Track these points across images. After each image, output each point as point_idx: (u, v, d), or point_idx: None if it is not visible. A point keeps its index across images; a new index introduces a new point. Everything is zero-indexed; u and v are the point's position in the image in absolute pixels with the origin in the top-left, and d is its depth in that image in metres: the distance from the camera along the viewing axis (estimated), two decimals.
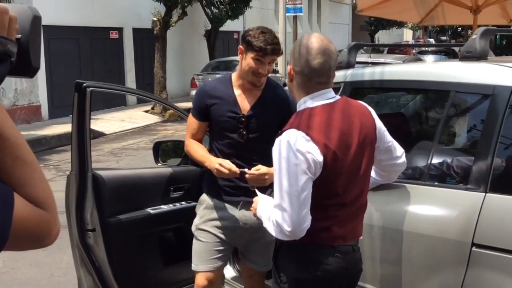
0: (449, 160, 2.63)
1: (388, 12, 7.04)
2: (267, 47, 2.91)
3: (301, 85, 2.33)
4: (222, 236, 3.17)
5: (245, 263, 3.30)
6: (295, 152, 2.14)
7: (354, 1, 40.26)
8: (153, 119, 15.96)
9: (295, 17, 24.30)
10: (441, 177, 2.63)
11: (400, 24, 40.44)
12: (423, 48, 28.55)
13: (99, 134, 13.42)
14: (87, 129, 3.26)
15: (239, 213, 3.13)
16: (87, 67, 16.45)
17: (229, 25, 20.96)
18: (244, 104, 3.07)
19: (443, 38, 41.63)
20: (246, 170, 2.90)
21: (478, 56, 2.64)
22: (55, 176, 9.34)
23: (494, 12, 6.68)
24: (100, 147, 12.07)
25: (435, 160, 2.61)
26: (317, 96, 2.30)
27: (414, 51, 30.29)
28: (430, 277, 2.50)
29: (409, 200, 2.61)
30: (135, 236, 3.48)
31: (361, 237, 2.46)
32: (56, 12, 14.87)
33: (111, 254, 3.37)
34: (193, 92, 16.76)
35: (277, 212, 2.19)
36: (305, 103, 2.32)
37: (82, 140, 3.26)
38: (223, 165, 2.91)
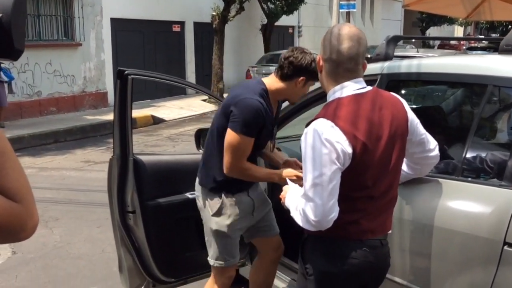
0: (483, 155, 2.40)
1: (434, 6, 6.70)
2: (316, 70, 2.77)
3: (330, 73, 2.15)
4: (243, 227, 3.16)
5: (267, 237, 3.29)
6: (323, 141, 1.98)
7: None
8: (209, 107, 15.95)
9: (348, 13, 23.80)
10: (476, 172, 2.39)
11: (451, 21, 39.20)
12: (473, 44, 27.63)
13: (159, 120, 13.54)
14: (128, 116, 3.17)
15: (252, 200, 3.11)
16: (151, 57, 16.59)
17: (284, 20, 20.77)
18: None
19: (493, 35, 40.09)
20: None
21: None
22: None
23: None
24: (159, 132, 12.16)
25: (470, 155, 2.38)
26: (346, 86, 2.13)
27: (464, 47, 29.39)
28: (460, 274, 2.29)
29: (442, 195, 2.39)
30: (173, 219, 3.40)
31: (390, 231, 2.28)
32: (123, 6, 15.09)
33: (150, 235, 3.30)
34: None
35: (304, 201, 2.04)
36: (334, 93, 2.15)
37: (123, 126, 3.18)
38: (288, 175, 2.81)
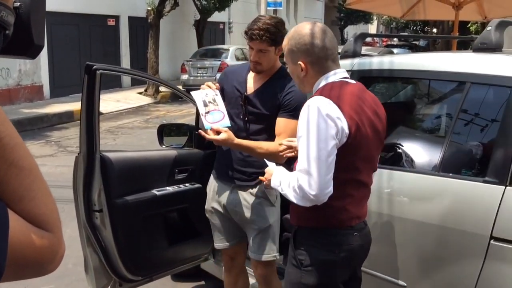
0: (464, 151, 2.34)
1: (374, 6, 6.75)
2: (249, 32, 2.62)
3: (318, 70, 2.10)
4: (225, 216, 2.95)
5: (248, 252, 2.98)
6: (324, 117, 1.90)
7: None
8: (146, 100, 15.51)
9: (275, 11, 23.93)
10: (457, 168, 2.33)
11: (366, 21, 40.24)
12: (390, 42, 28.41)
13: None
14: (96, 112, 2.90)
15: (230, 196, 2.88)
16: (86, 51, 15.90)
17: (216, 16, 20.52)
18: (250, 86, 2.81)
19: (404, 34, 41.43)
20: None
21: (493, 48, 2.34)
22: (56, 152, 8.92)
23: (471, 8, 6.42)
24: None
25: (449, 151, 2.31)
26: (338, 72, 2.11)
27: (378, 44, 30.18)
28: (445, 268, 2.23)
29: (424, 190, 2.31)
30: (141, 217, 3.16)
31: None
32: None
33: (117, 234, 3.04)
34: (184, 77, 16.42)
35: (302, 177, 1.93)
36: (327, 79, 2.09)
37: (90, 122, 2.91)
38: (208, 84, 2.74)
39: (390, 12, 7.81)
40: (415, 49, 21.17)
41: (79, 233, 3.14)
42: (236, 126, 2.76)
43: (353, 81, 2.14)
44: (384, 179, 2.44)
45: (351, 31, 41.75)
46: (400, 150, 2.56)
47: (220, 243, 3.04)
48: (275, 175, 2.18)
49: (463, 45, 21.68)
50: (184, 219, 3.39)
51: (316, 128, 1.91)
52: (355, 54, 2.94)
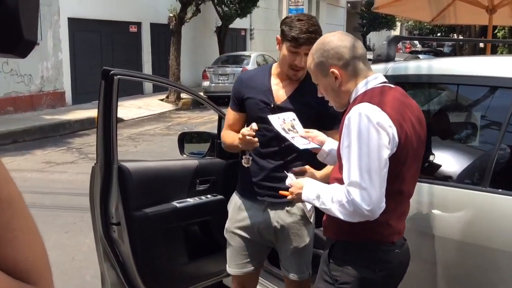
0: None
1: (402, 10, 6.52)
2: (301, 36, 2.36)
3: (352, 74, 1.94)
4: (251, 238, 2.69)
5: (282, 269, 2.76)
6: (375, 126, 1.74)
7: (349, 5, 39.65)
8: (167, 107, 15.45)
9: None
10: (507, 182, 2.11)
11: (389, 27, 39.81)
12: (413, 48, 28.01)
13: (118, 120, 12.92)
14: (113, 119, 2.75)
15: (262, 214, 2.62)
16: (108, 57, 15.90)
17: (238, 23, 20.45)
18: (279, 94, 2.55)
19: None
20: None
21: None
22: (77, 159, 8.85)
23: (505, 13, 6.16)
24: (119, 132, 11.42)
25: (501, 164, 2.09)
26: (377, 76, 1.96)
27: (401, 51, 29.75)
28: None
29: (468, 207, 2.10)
30: (161, 230, 2.98)
31: None
32: (80, 6, 14.42)
33: (136, 249, 2.87)
34: (205, 83, 16.32)
35: (354, 190, 1.76)
36: (366, 84, 1.92)
37: (108, 130, 2.75)
38: (243, 133, 2.39)
39: (419, 17, 7.57)
40: (440, 55, 20.83)
41: (95, 247, 2.99)
42: (267, 142, 2.50)
43: (392, 86, 1.97)
44: (424, 193, 2.23)
45: (373, 37, 41.38)
46: (443, 163, 2.35)
47: (235, 269, 2.76)
48: (309, 187, 2.01)
49: (493, 51, 21.20)
50: (205, 232, 3.21)
51: (367, 138, 1.75)
52: (389, 58, 2.74)
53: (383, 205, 1.77)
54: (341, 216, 1.81)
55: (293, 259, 2.64)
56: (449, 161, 2.47)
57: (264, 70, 2.68)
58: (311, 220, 2.66)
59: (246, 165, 2.54)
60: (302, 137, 2.25)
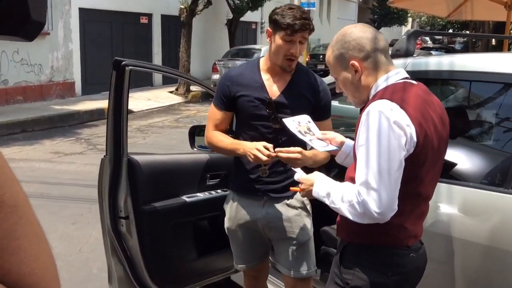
0: None
1: (418, 4, 6.41)
2: (296, 22, 2.33)
3: (373, 67, 1.84)
4: (254, 233, 2.65)
5: (278, 267, 2.70)
6: (391, 125, 1.65)
7: (360, 0, 39.39)
8: (177, 99, 15.40)
9: (308, 12, 23.59)
10: None
11: (400, 23, 39.49)
12: (424, 44, 27.77)
13: (128, 112, 12.90)
14: (124, 111, 2.69)
15: (262, 210, 2.57)
16: (118, 48, 15.85)
17: (249, 16, 20.33)
18: (273, 89, 2.50)
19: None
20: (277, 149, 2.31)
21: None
22: (85, 150, 8.81)
23: None
24: (128, 123, 11.52)
25: None
26: (398, 72, 1.86)
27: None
28: None
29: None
30: (170, 225, 2.93)
31: None
32: None
33: (144, 243, 2.83)
34: (215, 76, 16.24)
35: (365, 192, 1.68)
36: (387, 79, 1.83)
37: (118, 122, 2.70)
38: (260, 149, 2.29)
39: (435, 12, 7.45)
40: (451, 52, 20.63)
41: (103, 240, 2.94)
42: (263, 139, 2.45)
43: (415, 82, 1.87)
44: (442, 194, 2.15)
45: (384, 32, 41.14)
46: (463, 163, 2.27)
47: (243, 264, 2.77)
48: (320, 184, 1.94)
49: (501, 49, 20.95)
50: (215, 228, 3.14)
51: (382, 137, 1.66)
52: (408, 53, 2.66)
53: (395, 207, 1.69)
54: (350, 217, 1.75)
55: (296, 254, 2.58)
56: (469, 161, 2.39)
57: (252, 66, 2.59)
58: (311, 213, 2.65)
59: (263, 175, 2.51)
60: (319, 139, 2.17)
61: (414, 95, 1.76)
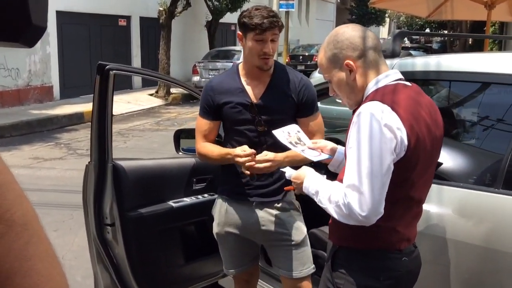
0: None
1: (399, 4, 6.45)
2: (264, 21, 2.36)
3: (368, 66, 1.82)
4: (243, 237, 2.64)
5: (276, 271, 2.70)
6: (382, 128, 1.63)
7: (338, 0, 39.63)
8: (157, 102, 15.29)
9: (287, 12, 23.69)
10: None
11: (378, 23, 39.84)
12: (402, 44, 27.92)
13: None
14: (108, 116, 2.64)
15: (253, 215, 2.56)
16: (97, 51, 15.68)
17: (228, 18, 20.28)
18: (254, 92, 2.50)
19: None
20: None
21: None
22: (66, 155, 8.69)
23: (503, 9, 6.11)
24: None
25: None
26: (390, 74, 1.82)
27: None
28: None
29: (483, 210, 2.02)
30: (156, 231, 2.89)
31: None
32: None
33: (130, 250, 2.78)
34: (195, 78, 16.17)
35: (351, 194, 1.66)
36: (378, 82, 1.80)
37: (103, 127, 2.65)
38: (238, 154, 2.36)
39: (415, 12, 7.50)
40: (430, 51, 20.83)
41: (89, 248, 2.88)
42: (251, 142, 2.47)
43: (408, 83, 1.84)
44: (433, 195, 2.14)
45: None
46: (452, 163, 2.27)
47: (233, 269, 2.74)
48: (309, 180, 1.93)
49: (478, 48, 21.23)
50: (202, 233, 3.11)
51: (372, 141, 1.64)
52: (394, 54, 2.65)
53: (381, 211, 1.67)
54: (336, 217, 1.74)
55: (294, 254, 2.58)
56: (458, 161, 2.39)
57: (231, 73, 2.60)
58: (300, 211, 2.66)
59: (252, 181, 2.52)
60: (311, 148, 2.15)
61: (406, 97, 1.74)
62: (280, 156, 2.38)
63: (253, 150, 2.36)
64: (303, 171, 2.01)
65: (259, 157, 2.35)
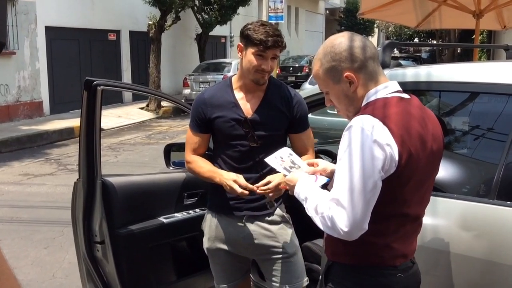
0: None
1: (388, 15, 6.46)
2: (268, 39, 2.34)
3: (368, 77, 1.73)
4: (233, 252, 2.59)
5: (269, 285, 2.63)
6: (371, 143, 1.58)
7: (327, 12, 39.86)
8: (148, 115, 15.25)
9: (276, 24, 23.78)
10: None
11: (367, 33, 40.08)
12: (392, 54, 28.08)
13: None
14: (97, 132, 2.60)
15: (244, 229, 2.53)
16: (87, 66, 15.66)
17: (218, 30, 20.34)
18: (247, 107, 2.48)
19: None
20: (256, 186, 2.34)
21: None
22: (56, 171, 8.60)
23: (491, 17, 6.14)
24: None
25: (506, 174, 1.99)
26: (388, 85, 1.74)
27: None
28: None
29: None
30: (147, 248, 2.84)
31: None
32: (57, 14, 14.18)
33: (121, 268, 2.73)
34: (186, 91, 16.15)
35: (335, 208, 1.61)
36: (376, 93, 1.73)
37: (91, 144, 2.60)
38: (238, 182, 2.32)
39: (404, 22, 7.52)
40: (419, 61, 20.95)
41: (78, 267, 2.83)
42: (242, 157, 2.45)
43: (405, 96, 1.77)
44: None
45: None
46: (446, 173, 2.24)
47: (225, 284, 2.67)
48: (301, 185, 1.87)
49: (467, 57, 21.36)
50: (194, 248, 3.06)
51: (359, 156, 1.58)
52: (384, 65, 2.62)
53: (365, 227, 1.61)
54: (320, 226, 1.68)
55: (286, 267, 2.54)
56: (452, 172, 2.37)
57: (224, 86, 2.56)
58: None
59: (271, 208, 2.49)
60: (307, 172, 2.08)
61: (398, 111, 1.68)
62: (280, 175, 2.29)
63: (252, 187, 2.32)
64: (297, 175, 1.97)
65: (268, 186, 2.30)
